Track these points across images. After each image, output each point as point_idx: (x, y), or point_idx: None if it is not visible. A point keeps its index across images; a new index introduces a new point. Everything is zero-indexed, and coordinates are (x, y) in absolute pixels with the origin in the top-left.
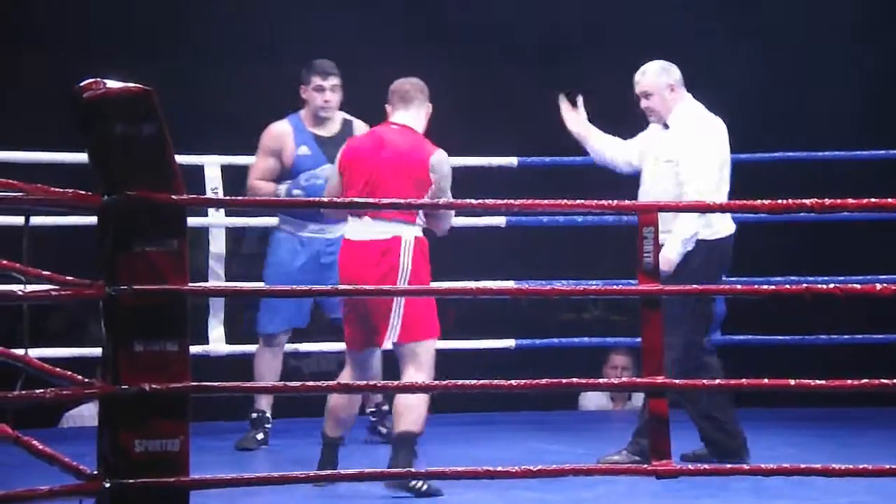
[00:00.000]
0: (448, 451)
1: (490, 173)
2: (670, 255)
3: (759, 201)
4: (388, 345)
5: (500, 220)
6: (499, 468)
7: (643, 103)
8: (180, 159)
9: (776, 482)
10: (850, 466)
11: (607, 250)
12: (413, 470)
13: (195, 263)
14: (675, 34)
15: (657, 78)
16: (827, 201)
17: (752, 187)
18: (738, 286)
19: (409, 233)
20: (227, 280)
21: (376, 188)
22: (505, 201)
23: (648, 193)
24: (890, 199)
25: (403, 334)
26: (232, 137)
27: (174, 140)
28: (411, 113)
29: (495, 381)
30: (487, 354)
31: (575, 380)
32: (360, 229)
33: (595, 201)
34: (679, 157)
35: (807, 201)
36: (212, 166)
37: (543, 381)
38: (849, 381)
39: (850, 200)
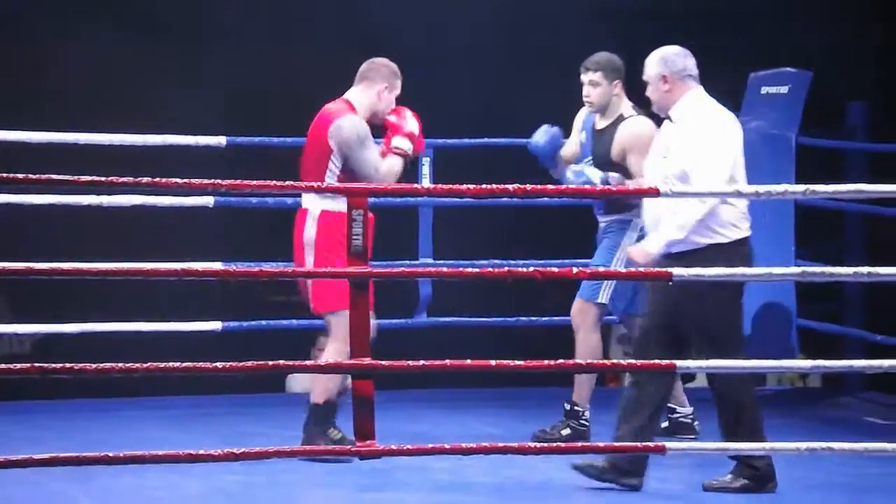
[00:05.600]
0: (144, 434)
1: (198, 152)
2: (649, 249)
3: (465, 186)
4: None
5: (208, 200)
6: (200, 451)
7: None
8: None
9: (476, 461)
10: (545, 445)
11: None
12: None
13: None
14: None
15: (652, 67)
16: (529, 187)
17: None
18: (444, 269)
19: (316, 205)
20: None
21: (303, 160)
22: (212, 181)
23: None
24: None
25: (317, 304)
26: None
27: None
28: (359, 88)
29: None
30: (191, 338)
31: (282, 362)
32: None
33: (306, 184)
34: (676, 153)
35: (510, 186)
36: None
37: (250, 363)
38: (546, 362)
39: (550, 187)
